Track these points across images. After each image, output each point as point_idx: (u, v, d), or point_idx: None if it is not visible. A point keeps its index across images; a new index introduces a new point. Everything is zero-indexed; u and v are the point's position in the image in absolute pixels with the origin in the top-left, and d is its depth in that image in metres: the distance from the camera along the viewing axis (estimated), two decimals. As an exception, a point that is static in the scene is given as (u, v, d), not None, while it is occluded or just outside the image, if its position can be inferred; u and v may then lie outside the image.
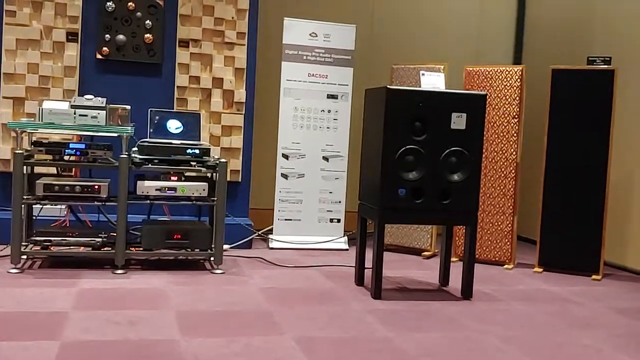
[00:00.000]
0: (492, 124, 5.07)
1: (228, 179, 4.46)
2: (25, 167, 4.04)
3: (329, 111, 5.43)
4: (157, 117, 4.47)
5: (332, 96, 5.43)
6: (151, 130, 4.43)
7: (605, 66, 4.74)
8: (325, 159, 5.45)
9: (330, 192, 5.47)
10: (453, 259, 5.08)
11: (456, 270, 4.47)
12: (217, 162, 4.30)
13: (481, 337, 3.28)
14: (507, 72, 5.03)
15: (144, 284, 3.91)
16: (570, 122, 4.84)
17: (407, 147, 3.83)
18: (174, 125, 4.49)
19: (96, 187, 4.13)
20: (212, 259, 4.38)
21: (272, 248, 5.27)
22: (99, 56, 5.01)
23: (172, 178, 4.31)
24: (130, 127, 4.21)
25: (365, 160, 4.13)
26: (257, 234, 5.31)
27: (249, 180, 5.37)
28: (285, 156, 5.38)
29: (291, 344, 3.01)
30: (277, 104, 5.37)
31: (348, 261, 4.87)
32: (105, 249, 4.22)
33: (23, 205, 4.07)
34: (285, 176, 5.39)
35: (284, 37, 5.33)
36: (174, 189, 4.28)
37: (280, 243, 5.31)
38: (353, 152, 5.46)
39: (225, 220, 4.35)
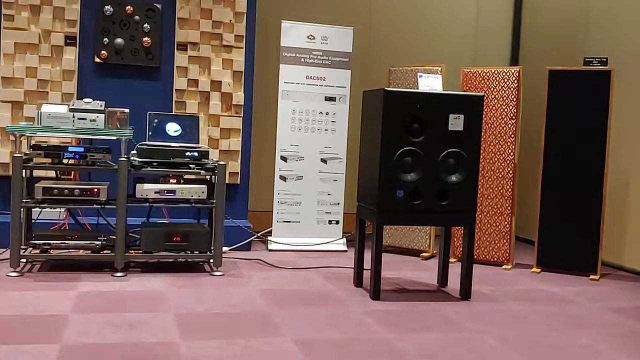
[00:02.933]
0: (489, 125, 5.09)
1: (227, 181, 4.47)
2: (24, 170, 4.05)
3: (327, 113, 5.45)
4: (155, 120, 4.49)
5: (330, 98, 5.45)
6: (150, 133, 4.45)
7: (602, 67, 4.75)
8: (324, 161, 5.46)
9: (329, 194, 5.49)
10: (451, 259, 5.10)
11: (455, 271, 4.49)
12: (216, 164, 4.32)
13: (480, 337, 3.29)
14: (504, 74, 5.05)
15: (143, 287, 3.92)
16: (567, 122, 4.86)
17: (405, 148, 3.84)
18: (172, 128, 4.50)
19: (95, 190, 4.14)
20: (211, 261, 4.40)
21: (271, 250, 5.28)
22: (97, 60, 5.02)
23: (171, 181, 4.32)
24: (129, 130, 4.22)
25: (363, 162, 4.15)
26: (256, 236, 5.32)
27: (247, 182, 5.38)
28: (284, 158, 5.40)
29: (290, 345, 3.02)
30: (276, 106, 5.39)
31: (347, 263, 4.88)
32: (104, 251, 4.23)
33: (22, 209, 4.08)
34: (283, 178, 5.40)
35: (282, 39, 5.34)
36: (173, 191, 4.30)
37: (279, 245, 5.32)
38: (351, 154, 5.48)
39: (224, 223, 4.36)
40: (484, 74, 5.11)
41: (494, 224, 5.10)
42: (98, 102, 4.24)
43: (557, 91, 4.87)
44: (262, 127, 5.72)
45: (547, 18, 6.24)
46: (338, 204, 5.51)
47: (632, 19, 5.18)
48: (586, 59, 4.83)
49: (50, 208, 4.29)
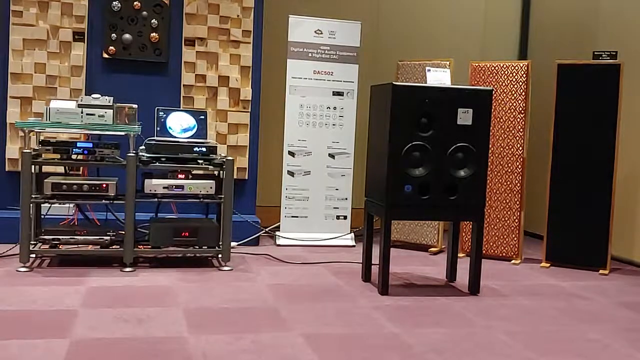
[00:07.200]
0: (498, 119, 5.07)
1: (235, 176, 4.48)
2: (33, 166, 4.06)
3: (335, 108, 5.44)
4: (163, 116, 4.49)
5: (337, 93, 5.44)
6: (158, 129, 4.45)
7: (611, 61, 4.72)
8: (331, 156, 5.46)
9: (337, 189, 5.48)
10: (460, 254, 5.09)
11: (463, 266, 4.48)
12: (224, 160, 4.32)
13: (488, 332, 3.29)
14: (512, 68, 5.02)
15: (152, 282, 3.93)
16: (577, 116, 4.83)
17: (413, 143, 3.83)
18: (180, 124, 4.50)
19: (104, 185, 4.15)
20: (219, 256, 4.41)
21: (279, 245, 5.29)
22: (105, 55, 5.03)
23: (180, 176, 4.32)
24: (137, 126, 4.23)
25: (371, 157, 4.14)
26: (264, 231, 5.33)
27: (255, 177, 5.39)
28: (292, 153, 5.39)
29: (299, 340, 3.03)
30: (283, 101, 5.38)
31: (355, 258, 4.88)
32: (113, 247, 4.24)
33: (31, 204, 4.10)
34: (291, 173, 5.40)
35: (289, 34, 5.34)
36: (181, 186, 4.30)
37: (287, 240, 5.32)
38: (359, 149, 5.47)
39: (232, 218, 4.37)
40: (493, 68, 5.09)
41: (503, 219, 5.08)
42: (106, 97, 4.24)
43: (566, 85, 4.85)
44: (269, 122, 5.72)
45: (556, 11, 6.21)
46: (346, 199, 5.51)
47: (642, 12, 5.14)
48: (595, 53, 4.80)
49: (59, 203, 4.30)
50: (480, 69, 5.14)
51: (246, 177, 5.34)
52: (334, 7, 6.03)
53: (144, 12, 5.04)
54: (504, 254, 5.09)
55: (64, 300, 3.46)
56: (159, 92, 5.14)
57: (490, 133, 4.06)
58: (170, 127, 4.43)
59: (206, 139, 4.50)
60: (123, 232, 4.18)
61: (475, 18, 6.56)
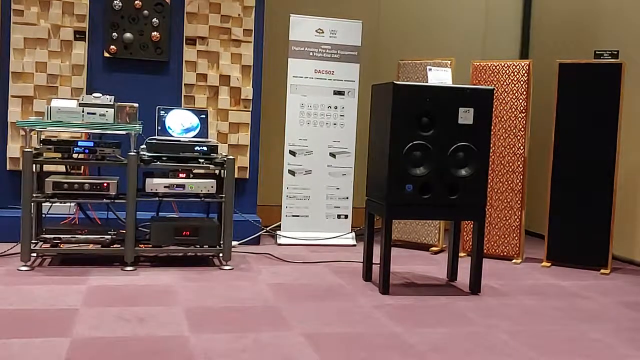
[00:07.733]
0: (499, 118, 5.07)
1: (236, 175, 4.47)
2: (34, 165, 4.06)
3: (336, 107, 5.44)
4: (164, 115, 4.49)
5: (338, 92, 5.43)
6: (159, 128, 4.45)
7: (613, 60, 4.72)
8: (332, 155, 5.46)
9: (338, 189, 5.48)
10: (461, 254, 5.08)
11: (464, 265, 4.48)
12: (225, 159, 4.32)
13: (489, 331, 3.28)
14: (514, 67, 5.02)
15: (153, 281, 3.94)
16: (578, 116, 4.83)
17: (415, 142, 3.83)
18: (181, 123, 4.49)
19: (105, 184, 4.15)
20: (220, 255, 4.41)
21: (280, 244, 5.29)
22: (106, 54, 5.03)
23: (181, 175, 4.33)
24: (138, 125, 4.23)
25: (372, 156, 4.14)
26: (265, 231, 5.33)
27: (256, 177, 5.38)
28: (293, 153, 5.39)
29: (299, 339, 3.03)
30: (284, 100, 5.38)
31: (356, 257, 4.88)
32: (114, 246, 4.24)
33: (33, 204, 4.10)
34: (292, 173, 5.40)
35: (291, 33, 5.33)
36: (182, 186, 4.30)
37: (288, 239, 5.32)
38: (360, 148, 5.46)
39: (233, 217, 4.37)
40: (494, 67, 5.08)
41: (504, 218, 5.08)
42: (107, 96, 4.24)
43: (568, 84, 4.84)
44: (270, 122, 5.71)
45: (557, 10, 6.20)
46: (347, 198, 5.50)
47: (643, 12, 5.13)
48: (597, 52, 4.80)
49: (61, 202, 4.30)
50: (481, 68, 5.13)
51: (247, 177, 5.34)
52: (335, 6, 6.03)
53: (145, 11, 5.04)
54: (505, 254, 5.09)
55: (65, 299, 3.46)
56: (160, 91, 5.14)
57: (492, 132, 4.06)
58: (170, 127, 4.43)
59: (207, 138, 4.50)
60: (124, 231, 4.19)
61: (476, 17, 6.56)
